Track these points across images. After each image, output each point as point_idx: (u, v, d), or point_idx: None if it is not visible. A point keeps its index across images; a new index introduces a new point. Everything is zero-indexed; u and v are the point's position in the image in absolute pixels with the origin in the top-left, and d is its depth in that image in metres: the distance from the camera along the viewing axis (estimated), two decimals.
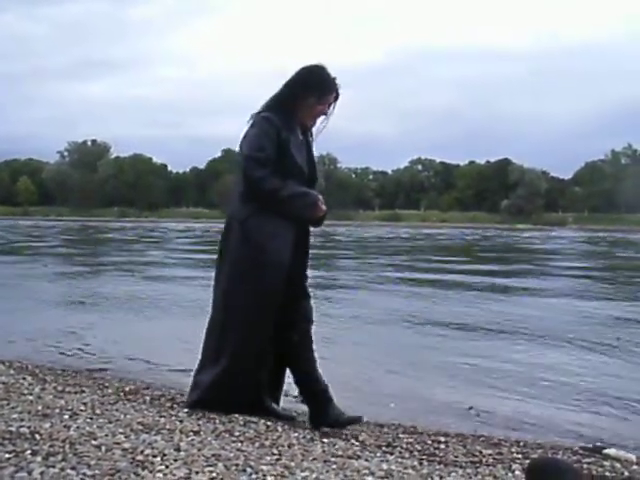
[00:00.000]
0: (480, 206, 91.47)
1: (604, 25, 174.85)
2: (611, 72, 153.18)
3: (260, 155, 3.45)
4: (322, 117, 3.67)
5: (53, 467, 2.40)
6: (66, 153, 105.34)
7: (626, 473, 3.03)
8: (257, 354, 3.54)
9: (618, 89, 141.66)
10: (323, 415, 3.56)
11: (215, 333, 3.64)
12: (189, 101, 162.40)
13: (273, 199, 3.46)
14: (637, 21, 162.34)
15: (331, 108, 3.66)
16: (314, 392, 3.61)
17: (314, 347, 3.67)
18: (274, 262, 3.46)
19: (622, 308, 9.91)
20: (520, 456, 3.30)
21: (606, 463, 3.25)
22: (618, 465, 3.22)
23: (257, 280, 3.46)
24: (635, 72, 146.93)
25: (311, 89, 3.57)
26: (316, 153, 3.79)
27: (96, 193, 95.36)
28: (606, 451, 3.50)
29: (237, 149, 3.64)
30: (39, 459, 2.48)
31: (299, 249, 3.57)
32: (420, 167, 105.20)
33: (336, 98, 3.64)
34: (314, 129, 3.73)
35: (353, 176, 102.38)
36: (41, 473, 2.34)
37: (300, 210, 3.51)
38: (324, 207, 3.54)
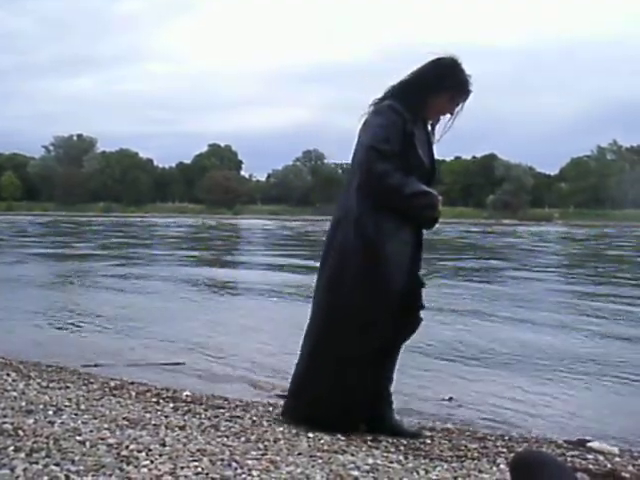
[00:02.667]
0: (467, 201, 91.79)
1: (590, 25, 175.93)
2: (597, 70, 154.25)
3: (385, 147, 3.14)
4: (447, 115, 3.37)
5: (36, 463, 2.39)
6: (51, 148, 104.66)
7: (609, 465, 3.06)
8: (374, 360, 3.25)
9: (604, 86, 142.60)
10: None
11: (319, 337, 3.30)
12: (175, 97, 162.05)
13: (394, 196, 3.17)
14: (623, 22, 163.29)
15: (459, 107, 3.35)
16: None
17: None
18: (393, 264, 3.18)
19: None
20: (505, 450, 3.31)
21: (590, 456, 3.28)
22: (601, 458, 3.25)
23: (376, 282, 3.16)
24: (620, 70, 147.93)
25: (446, 86, 3.26)
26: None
27: (82, 188, 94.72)
28: (590, 444, 3.53)
29: (357, 138, 3.31)
30: (22, 455, 2.46)
31: (415, 253, 3.30)
32: None
33: (466, 98, 3.34)
34: (437, 126, 3.43)
35: (339, 171, 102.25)
36: (24, 470, 2.32)
37: (419, 210, 3.23)
38: (441, 209, 3.27)
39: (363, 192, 3.20)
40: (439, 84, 3.26)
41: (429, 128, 3.42)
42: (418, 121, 3.29)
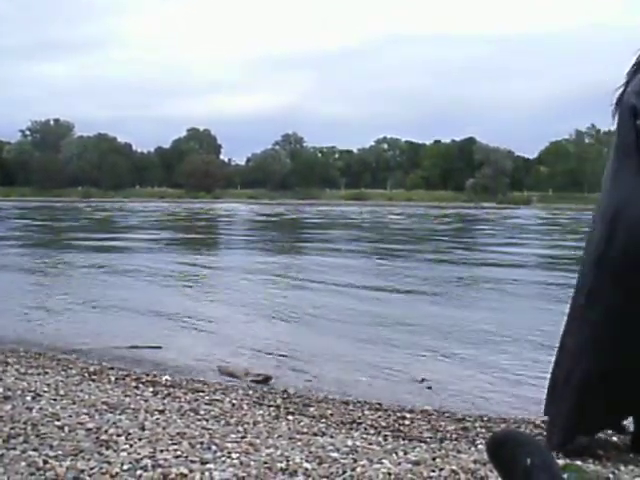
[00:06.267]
0: (446, 185, 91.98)
1: (569, 11, 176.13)
2: (575, 55, 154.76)
3: None
4: None
5: (14, 449, 2.37)
6: (28, 132, 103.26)
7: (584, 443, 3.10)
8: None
9: (583, 70, 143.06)
10: None
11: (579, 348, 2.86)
12: (153, 82, 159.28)
13: None
14: (603, 9, 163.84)
15: None
16: None
17: None
18: None
19: None
20: (484, 430, 3.34)
21: None
22: None
23: None
24: (599, 55, 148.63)
25: None
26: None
27: (60, 173, 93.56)
28: None
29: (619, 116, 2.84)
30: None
31: None
32: (386, 146, 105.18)
33: None
34: None
35: (319, 155, 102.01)
36: (1, 455, 2.30)
37: None
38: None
39: None
40: None
41: None
42: None
